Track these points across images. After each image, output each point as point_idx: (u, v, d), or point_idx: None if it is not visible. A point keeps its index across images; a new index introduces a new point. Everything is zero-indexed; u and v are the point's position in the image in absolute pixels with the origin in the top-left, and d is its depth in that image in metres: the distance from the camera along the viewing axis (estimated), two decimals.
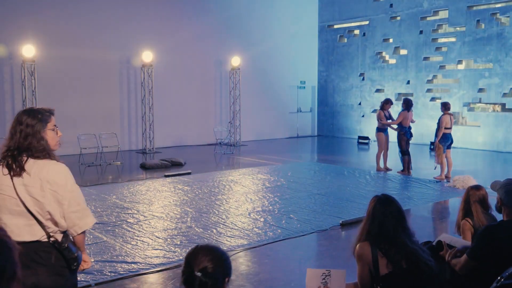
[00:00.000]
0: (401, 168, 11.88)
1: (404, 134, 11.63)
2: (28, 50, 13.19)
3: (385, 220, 3.13)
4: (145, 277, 5.34)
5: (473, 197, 4.31)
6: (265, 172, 11.97)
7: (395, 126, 11.84)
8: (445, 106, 11.11)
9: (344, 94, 21.03)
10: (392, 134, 12.18)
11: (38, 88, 13.62)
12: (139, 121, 16.41)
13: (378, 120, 12.15)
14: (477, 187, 4.44)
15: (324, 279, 3.03)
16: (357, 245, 3.15)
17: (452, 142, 11.27)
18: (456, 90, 17.22)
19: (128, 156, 15.22)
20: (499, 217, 3.81)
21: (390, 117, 12.12)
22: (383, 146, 12.19)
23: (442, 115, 11.06)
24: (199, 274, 2.06)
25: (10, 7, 13.77)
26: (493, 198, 4.79)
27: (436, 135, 11.08)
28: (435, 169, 11.39)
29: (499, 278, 2.89)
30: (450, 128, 11.06)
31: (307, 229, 7.15)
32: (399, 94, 18.81)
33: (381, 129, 12.12)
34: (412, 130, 11.97)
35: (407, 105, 11.74)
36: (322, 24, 21.76)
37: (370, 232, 3.14)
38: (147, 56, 15.61)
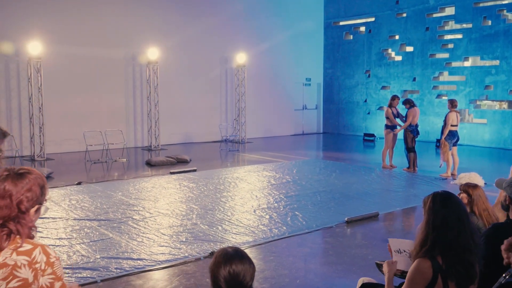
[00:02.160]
0: (407, 165, 11.86)
1: (411, 131, 11.59)
2: (34, 47, 13.23)
3: (448, 226, 2.81)
4: (151, 274, 5.35)
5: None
6: (270, 169, 11.97)
7: (402, 124, 11.82)
8: (452, 104, 11.07)
9: (350, 91, 20.98)
10: (400, 132, 12.14)
11: (44, 85, 13.67)
12: (145, 118, 16.45)
13: (386, 118, 12.10)
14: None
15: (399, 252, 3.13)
16: (416, 261, 2.82)
17: (458, 139, 11.23)
18: (462, 87, 17.14)
19: (133, 153, 15.26)
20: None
21: (398, 115, 12.07)
22: (390, 143, 12.15)
23: (449, 112, 11.03)
24: None
25: (16, 5, 13.81)
26: (492, 196, 4.77)
27: (442, 132, 11.05)
28: (440, 167, 11.35)
29: (504, 275, 2.87)
30: (456, 126, 11.02)
31: (313, 226, 7.14)
32: (404, 91, 18.75)
33: (389, 126, 12.08)
34: (419, 128, 11.94)
35: (411, 103, 11.76)
36: (328, 21, 21.70)
37: (432, 243, 2.81)
38: (152, 53, 15.64)
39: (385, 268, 3.28)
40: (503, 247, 2.17)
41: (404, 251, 3.33)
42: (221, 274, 2.03)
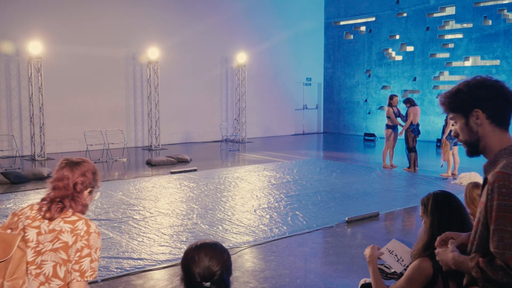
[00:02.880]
0: (408, 165, 11.86)
1: (412, 131, 11.59)
2: (35, 47, 13.23)
3: (449, 223, 2.77)
4: (151, 274, 5.35)
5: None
6: (270, 169, 11.97)
7: (403, 123, 11.82)
8: None
9: (350, 91, 20.97)
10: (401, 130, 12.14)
11: (45, 84, 13.68)
12: (145, 118, 16.45)
13: (387, 117, 12.09)
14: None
15: (396, 257, 3.09)
16: (417, 260, 2.80)
17: None
18: None
19: (134, 152, 15.26)
20: None
21: (399, 114, 12.06)
22: (390, 143, 12.14)
23: None
24: (208, 284, 1.91)
25: (17, 4, 13.82)
26: None
27: (443, 132, 11.04)
28: (441, 166, 11.35)
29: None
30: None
31: (313, 226, 7.14)
32: (405, 91, 18.75)
33: (390, 126, 12.07)
34: (420, 128, 11.93)
35: (412, 102, 11.75)
36: (328, 21, 21.70)
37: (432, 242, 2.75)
38: (153, 53, 15.63)
39: (366, 251, 3.18)
40: (436, 243, 2.29)
41: (396, 255, 3.28)
42: (195, 270, 1.97)
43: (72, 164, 2.50)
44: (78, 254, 2.36)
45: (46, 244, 2.39)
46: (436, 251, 2.23)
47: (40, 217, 2.43)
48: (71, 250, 2.37)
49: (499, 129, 2.08)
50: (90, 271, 2.38)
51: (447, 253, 2.13)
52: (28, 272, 2.37)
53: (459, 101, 2.11)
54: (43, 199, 2.48)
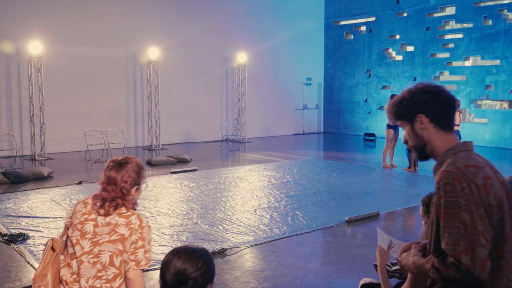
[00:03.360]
0: (408, 165, 11.86)
1: None
2: (35, 47, 13.24)
3: None
4: (151, 273, 5.35)
5: None
6: (271, 169, 11.97)
7: None
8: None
9: (350, 91, 20.97)
10: (402, 131, 12.13)
11: (45, 84, 13.68)
12: (145, 118, 16.45)
13: (388, 117, 12.07)
14: None
15: (391, 245, 3.05)
16: None
17: (460, 139, 11.19)
18: (463, 87, 17.13)
19: (134, 152, 15.25)
20: None
21: None
22: (391, 143, 12.14)
23: None
24: None
25: (17, 4, 13.82)
26: None
27: None
28: None
29: None
30: (458, 125, 11.02)
31: (313, 226, 7.14)
32: None
33: (391, 126, 12.08)
34: None
35: None
36: (328, 21, 21.70)
37: None
38: (153, 52, 15.63)
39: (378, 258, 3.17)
40: (399, 253, 2.37)
41: (393, 247, 3.24)
42: (166, 276, 1.91)
43: (117, 166, 2.73)
44: (133, 245, 2.61)
45: (103, 236, 2.62)
46: (401, 256, 2.27)
47: (95, 211, 2.68)
48: (127, 242, 2.61)
49: (443, 132, 2.20)
50: (145, 260, 2.64)
51: (409, 258, 2.18)
52: (86, 260, 2.61)
53: (403, 109, 2.27)
54: (95, 196, 2.73)
